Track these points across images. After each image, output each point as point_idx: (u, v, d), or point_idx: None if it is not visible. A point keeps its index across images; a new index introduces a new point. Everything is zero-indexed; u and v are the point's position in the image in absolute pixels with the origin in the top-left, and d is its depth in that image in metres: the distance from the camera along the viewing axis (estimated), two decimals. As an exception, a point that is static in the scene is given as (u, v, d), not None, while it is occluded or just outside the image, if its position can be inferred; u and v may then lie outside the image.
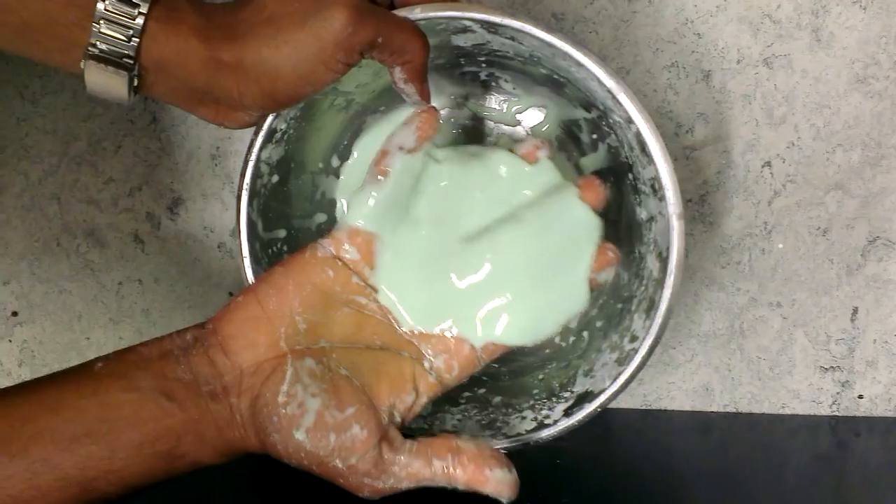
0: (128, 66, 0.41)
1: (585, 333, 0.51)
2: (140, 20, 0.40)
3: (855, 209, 0.61)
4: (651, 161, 0.43)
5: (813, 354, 0.63)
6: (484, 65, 0.50)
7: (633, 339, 0.46)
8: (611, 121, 0.47)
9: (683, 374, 0.64)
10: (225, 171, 0.63)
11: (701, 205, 0.61)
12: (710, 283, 0.63)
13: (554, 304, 0.45)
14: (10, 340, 0.67)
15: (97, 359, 0.41)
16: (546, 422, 0.48)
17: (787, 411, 0.64)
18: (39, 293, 0.66)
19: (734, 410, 0.65)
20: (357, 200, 0.44)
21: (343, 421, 0.40)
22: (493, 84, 0.50)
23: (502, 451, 0.47)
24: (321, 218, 0.54)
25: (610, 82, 0.42)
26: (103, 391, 0.39)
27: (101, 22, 0.40)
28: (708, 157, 0.61)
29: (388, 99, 0.51)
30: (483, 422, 0.49)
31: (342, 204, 0.54)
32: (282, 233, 0.51)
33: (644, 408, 0.65)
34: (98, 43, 0.41)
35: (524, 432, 0.48)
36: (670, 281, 0.45)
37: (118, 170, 0.64)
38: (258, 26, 0.41)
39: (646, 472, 0.62)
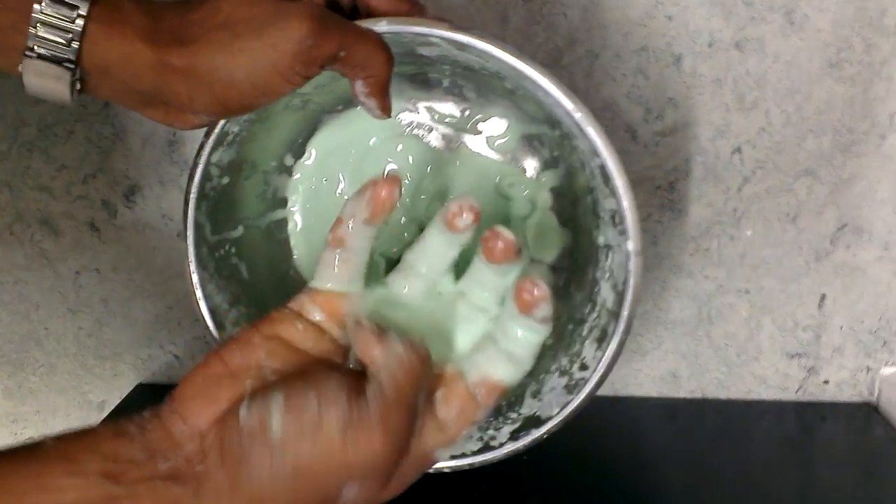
0: (69, 69, 0.39)
1: None
2: (80, 22, 0.38)
3: (825, 196, 0.60)
4: (613, 194, 0.41)
5: (780, 341, 0.63)
6: (448, 73, 0.48)
7: (584, 367, 0.45)
8: (574, 143, 0.45)
9: (651, 361, 0.64)
10: (182, 157, 0.61)
11: (670, 192, 0.60)
12: (678, 271, 0.62)
13: (519, 337, 0.40)
14: (-35, 331, 0.66)
15: (50, 436, 0.37)
16: (492, 444, 0.47)
17: (754, 397, 0.64)
18: (-6, 283, 0.65)
19: (701, 396, 0.65)
20: (319, 266, 0.40)
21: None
22: (456, 91, 0.48)
23: (445, 471, 0.46)
24: (273, 216, 0.52)
25: (577, 114, 0.40)
26: (46, 474, 0.35)
27: (38, 25, 0.38)
28: (677, 143, 0.60)
29: (347, 99, 0.49)
30: None
31: (292, 202, 0.52)
32: (232, 234, 0.49)
33: (612, 395, 0.65)
34: (35, 47, 0.38)
35: (469, 453, 0.47)
36: (625, 314, 0.43)
37: (71, 156, 0.62)
38: (212, 31, 0.39)
39: (614, 459, 0.62)
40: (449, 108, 0.49)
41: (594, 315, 0.46)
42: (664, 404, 0.65)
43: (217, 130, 0.44)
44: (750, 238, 0.61)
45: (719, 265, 0.62)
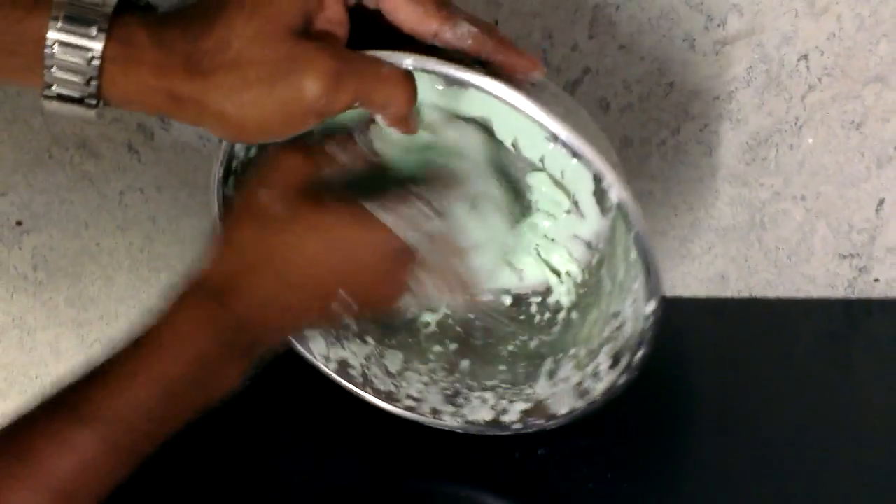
0: (91, 105, 0.37)
1: (560, 316, 0.50)
2: (96, 63, 0.36)
3: (894, 102, 0.57)
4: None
5: (833, 243, 0.62)
6: None
7: (596, 376, 0.46)
8: None
9: (699, 265, 0.64)
10: (214, 79, 0.58)
11: (728, 102, 0.57)
12: (733, 180, 0.60)
13: None
14: (19, 248, 0.67)
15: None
16: (502, 419, 0.49)
17: (801, 295, 0.65)
18: (41, 203, 0.65)
19: (748, 296, 0.65)
20: None
21: None
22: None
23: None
24: None
25: (623, 194, 0.40)
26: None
27: (53, 68, 0.36)
28: (739, 52, 0.56)
29: None
30: (448, 391, 0.50)
31: None
32: None
33: (659, 296, 0.65)
34: (54, 86, 0.37)
35: (481, 422, 0.49)
36: (636, 362, 0.44)
37: (99, 80, 0.59)
38: (221, 69, 0.36)
39: (656, 358, 0.64)
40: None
41: (616, 322, 0.45)
42: (710, 304, 0.65)
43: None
44: (811, 146, 0.58)
45: (777, 173, 0.60)
